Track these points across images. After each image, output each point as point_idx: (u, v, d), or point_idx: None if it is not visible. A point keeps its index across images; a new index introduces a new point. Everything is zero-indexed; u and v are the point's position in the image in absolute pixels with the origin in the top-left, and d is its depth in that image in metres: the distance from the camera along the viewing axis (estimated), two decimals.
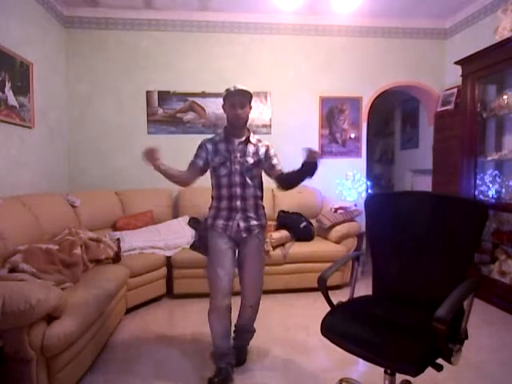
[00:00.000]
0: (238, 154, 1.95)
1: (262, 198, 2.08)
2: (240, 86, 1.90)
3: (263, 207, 2.09)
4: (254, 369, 2.07)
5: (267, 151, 2.04)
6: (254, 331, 2.18)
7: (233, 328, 2.11)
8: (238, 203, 1.95)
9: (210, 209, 2.06)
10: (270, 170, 2.06)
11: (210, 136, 2.07)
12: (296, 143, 4.18)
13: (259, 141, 2.05)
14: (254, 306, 2.09)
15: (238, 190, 1.94)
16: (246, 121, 1.98)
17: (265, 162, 2.03)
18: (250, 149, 1.98)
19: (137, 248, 3.05)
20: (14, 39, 2.90)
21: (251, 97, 1.95)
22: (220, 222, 1.97)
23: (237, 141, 1.96)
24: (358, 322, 1.50)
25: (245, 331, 2.16)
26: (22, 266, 1.98)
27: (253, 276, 2.03)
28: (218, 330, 1.95)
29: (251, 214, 1.98)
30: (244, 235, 1.97)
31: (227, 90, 1.92)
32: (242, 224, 1.95)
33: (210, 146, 1.98)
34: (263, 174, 2.09)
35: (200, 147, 2.03)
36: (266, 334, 2.44)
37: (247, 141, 1.97)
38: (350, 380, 1.85)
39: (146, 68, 3.93)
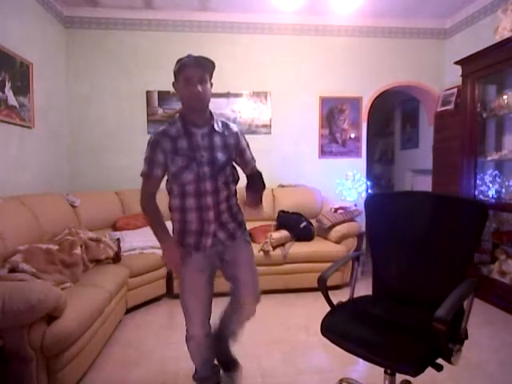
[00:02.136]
0: (205, 152, 1.50)
1: (235, 193, 1.68)
2: (196, 55, 1.48)
3: (237, 202, 1.70)
4: (254, 369, 2.07)
5: (238, 143, 1.62)
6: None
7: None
8: (211, 215, 1.54)
9: (172, 221, 1.66)
10: (243, 166, 1.69)
11: (162, 127, 1.55)
12: (296, 143, 4.19)
13: (225, 126, 1.61)
14: (252, 315, 1.79)
15: (210, 200, 1.53)
16: (208, 101, 1.52)
17: (236, 157, 1.63)
18: (218, 140, 1.54)
19: (137, 248, 3.05)
20: (13, 39, 2.90)
21: (214, 67, 1.50)
22: (190, 240, 1.57)
23: (199, 132, 1.51)
24: (358, 321, 1.50)
25: (233, 336, 1.87)
26: (21, 265, 1.98)
27: (252, 284, 1.71)
28: (197, 358, 1.74)
29: (227, 218, 1.61)
30: (227, 243, 1.61)
31: (179, 62, 1.47)
32: (221, 235, 1.58)
33: (166, 145, 1.49)
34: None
35: (153, 147, 1.50)
36: (266, 334, 2.44)
37: (212, 130, 1.54)
38: (350, 380, 1.85)
39: (146, 68, 3.93)
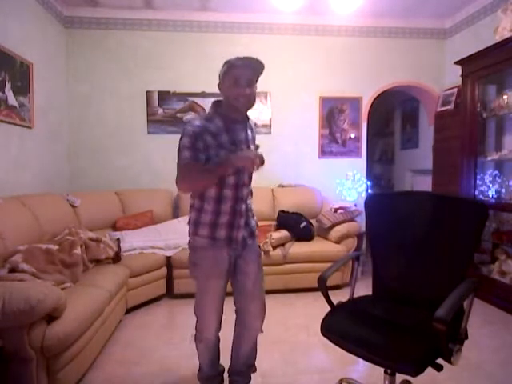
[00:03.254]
0: (244, 146, 1.55)
1: None
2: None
3: None
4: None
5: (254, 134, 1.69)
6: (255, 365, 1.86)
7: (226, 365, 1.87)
8: (244, 206, 1.59)
9: (197, 211, 1.57)
10: None
11: (198, 121, 1.50)
12: (296, 143, 4.19)
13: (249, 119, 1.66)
14: (258, 331, 1.74)
15: (245, 191, 1.59)
16: (254, 103, 1.54)
17: None
18: (249, 134, 1.61)
19: (137, 248, 3.05)
20: (14, 39, 2.90)
21: (263, 69, 1.48)
22: (222, 233, 1.54)
23: (238, 127, 1.55)
24: (358, 322, 1.50)
25: (250, 368, 1.82)
26: (21, 266, 1.98)
27: (258, 295, 1.68)
28: (205, 358, 1.74)
29: (249, 215, 1.66)
30: (249, 242, 1.63)
31: (228, 62, 1.45)
32: (245, 231, 1.61)
33: (208, 138, 1.47)
34: None
35: (195, 137, 1.45)
36: (266, 335, 2.43)
37: (246, 125, 1.60)
38: (350, 380, 1.85)
39: (146, 68, 3.93)
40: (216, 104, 1.57)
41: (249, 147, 1.58)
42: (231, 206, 1.54)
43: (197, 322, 1.68)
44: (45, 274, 2.02)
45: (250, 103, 1.52)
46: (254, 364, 1.85)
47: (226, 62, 1.47)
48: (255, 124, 1.72)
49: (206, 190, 1.54)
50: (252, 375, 1.88)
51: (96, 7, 3.76)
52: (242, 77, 1.44)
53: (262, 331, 1.76)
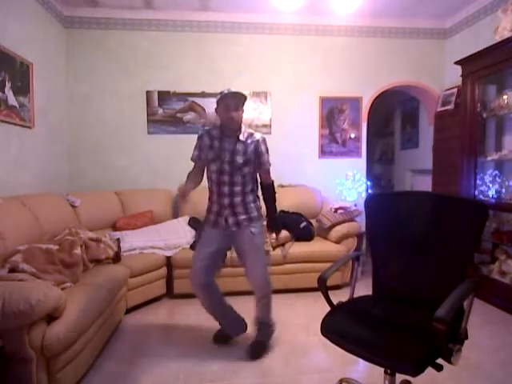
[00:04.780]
0: (228, 154, 2.04)
1: (252, 191, 2.15)
2: (234, 90, 1.98)
3: (254, 200, 2.16)
4: (254, 369, 2.07)
5: (256, 148, 2.09)
6: (273, 326, 2.31)
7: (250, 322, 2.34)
8: (226, 201, 2.07)
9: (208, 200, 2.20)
10: (259, 166, 2.14)
11: (207, 127, 2.16)
12: (296, 143, 4.20)
13: (250, 135, 2.10)
14: (264, 298, 2.18)
15: (226, 189, 2.06)
16: (240, 123, 2.06)
17: (254, 160, 2.09)
18: (240, 147, 2.05)
19: (137, 248, 3.05)
20: (13, 39, 2.90)
21: (245, 99, 2.03)
22: (211, 217, 2.14)
23: (228, 140, 2.06)
24: (357, 321, 1.50)
25: (263, 325, 2.26)
26: (22, 266, 1.98)
27: (254, 269, 2.13)
28: (201, 302, 2.20)
29: (239, 210, 2.08)
30: (233, 229, 2.09)
31: (221, 93, 1.99)
32: (230, 219, 2.08)
33: (206, 140, 2.09)
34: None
35: (199, 138, 2.14)
36: None
37: (237, 140, 2.06)
38: (350, 380, 1.85)
39: (146, 68, 3.93)
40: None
41: (233, 156, 2.04)
42: (217, 199, 2.10)
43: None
44: (45, 274, 2.02)
45: (237, 123, 2.04)
46: (268, 323, 2.28)
47: (220, 93, 1.99)
48: (262, 140, 2.12)
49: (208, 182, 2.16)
50: (252, 375, 1.93)
51: (96, 7, 3.76)
52: (231, 103, 1.98)
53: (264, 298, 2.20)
